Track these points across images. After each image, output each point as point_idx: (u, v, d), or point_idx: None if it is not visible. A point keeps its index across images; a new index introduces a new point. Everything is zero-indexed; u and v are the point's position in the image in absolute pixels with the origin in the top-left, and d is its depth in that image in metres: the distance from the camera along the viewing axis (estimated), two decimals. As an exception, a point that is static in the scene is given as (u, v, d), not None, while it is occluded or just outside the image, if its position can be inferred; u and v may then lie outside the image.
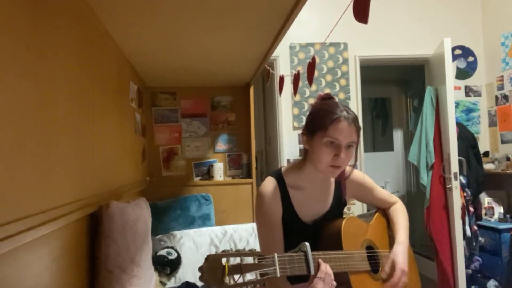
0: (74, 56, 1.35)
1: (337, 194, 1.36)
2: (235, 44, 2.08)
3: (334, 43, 3.69)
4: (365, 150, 3.91)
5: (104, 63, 1.77)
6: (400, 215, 1.42)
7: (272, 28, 1.82)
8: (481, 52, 3.89)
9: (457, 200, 3.14)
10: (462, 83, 3.88)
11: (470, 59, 3.88)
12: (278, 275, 0.94)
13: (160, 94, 3.23)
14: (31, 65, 1.02)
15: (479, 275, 3.34)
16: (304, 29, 3.65)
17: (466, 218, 3.26)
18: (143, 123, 2.96)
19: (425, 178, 3.42)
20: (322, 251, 1.11)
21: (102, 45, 1.73)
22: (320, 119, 1.19)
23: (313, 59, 2.09)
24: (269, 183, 1.27)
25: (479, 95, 3.89)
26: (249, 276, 0.89)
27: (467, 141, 3.47)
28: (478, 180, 3.42)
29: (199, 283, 2.29)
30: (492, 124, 3.80)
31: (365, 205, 3.58)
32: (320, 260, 1.06)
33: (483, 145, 3.80)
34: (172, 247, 2.59)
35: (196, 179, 3.23)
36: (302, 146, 1.30)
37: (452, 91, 3.21)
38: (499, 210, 3.51)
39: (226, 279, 0.85)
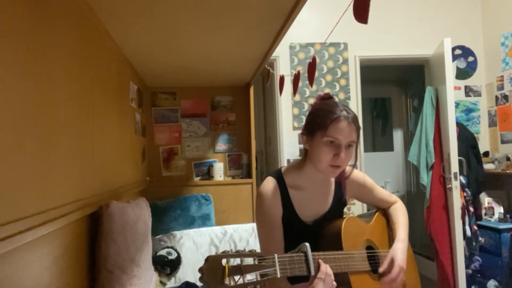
0: (74, 56, 1.35)
1: (337, 194, 1.36)
2: (235, 44, 2.08)
3: (334, 43, 3.69)
4: (365, 150, 3.92)
5: (104, 63, 1.77)
6: (400, 214, 1.42)
7: (272, 28, 1.82)
8: (481, 52, 3.89)
9: (457, 200, 3.14)
10: (462, 83, 3.88)
11: (470, 59, 3.88)
12: (278, 276, 0.94)
13: (160, 94, 3.23)
14: (31, 65, 1.02)
15: (479, 275, 3.34)
16: (304, 29, 3.65)
17: (466, 218, 3.26)
18: (143, 123, 2.96)
19: (425, 178, 3.42)
20: (322, 252, 1.11)
21: (102, 45, 1.73)
22: (320, 119, 1.19)
23: (314, 59, 2.09)
24: (269, 183, 1.27)
25: (479, 95, 3.89)
26: (249, 277, 0.89)
27: (467, 141, 3.48)
28: (478, 180, 3.42)
29: (199, 283, 2.29)
30: (492, 124, 3.80)
31: (365, 205, 3.58)
32: (320, 261, 1.06)
33: (483, 145, 3.80)
34: (172, 247, 2.59)
35: (196, 179, 3.23)
36: (302, 146, 1.30)
37: (452, 91, 3.21)
38: (499, 210, 3.51)
39: (226, 280, 0.85)
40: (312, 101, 3.51)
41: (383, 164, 4.87)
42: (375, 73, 4.49)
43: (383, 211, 1.47)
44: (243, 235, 2.84)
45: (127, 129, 2.29)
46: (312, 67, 2.09)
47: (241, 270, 0.87)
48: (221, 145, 3.30)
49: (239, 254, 0.89)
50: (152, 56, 2.26)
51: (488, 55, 3.83)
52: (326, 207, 1.33)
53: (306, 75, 2.21)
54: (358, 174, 1.41)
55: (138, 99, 2.69)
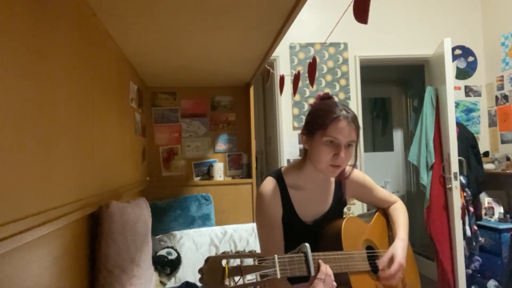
0: (74, 56, 1.35)
1: (337, 194, 1.36)
2: (235, 44, 2.08)
3: (334, 43, 3.69)
4: (365, 150, 3.92)
5: (104, 63, 1.76)
6: (400, 213, 1.42)
7: (272, 28, 1.82)
8: (481, 52, 3.89)
9: (457, 200, 3.14)
10: (462, 83, 3.88)
11: (470, 59, 3.88)
12: (278, 276, 0.94)
13: (160, 94, 3.23)
14: (31, 65, 1.02)
15: (479, 275, 3.34)
16: (304, 29, 3.65)
17: (466, 218, 3.26)
18: (143, 123, 2.96)
19: (425, 178, 3.42)
20: (322, 252, 1.11)
21: (102, 45, 1.73)
22: (319, 119, 1.19)
23: (314, 59, 2.09)
24: (269, 183, 1.27)
25: (479, 95, 3.89)
26: (249, 278, 0.89)
27: (467, 141, 3.48)
28: (478, 180, 3.42)
29: (199, 284, 2.28)
30: (492, 124, 3.80)
31: (365, 205, 3.58)
32: (320, 261, 1.05)
33: (483, 145, 3.80)
34: (172, 247, 2.59)
35: (196, 179, 3.23)
36: (302, 146, 1.30)
37: (452, 91, 3.21)
38: (499, 210, 3.51)
39: (226, 281, 0.85)
40: (312, 101, 3.51)
41: (383, 164, 4.87)
42: (375, 73, 4.49)
43: (383, 211, 1.47)
44: (243, 235, 2.84)
45: (127, 129, 2.29)
46: (312, 67, 2.09)
47: (241, 271, 0.87)
48: (221, 145, 3.30)
49: (239, 255, 0.89)
50: (152, 56, 2.26)
51: (488, 55, 3.83)
52: (326, 207, 1.33)
53: (306, 75, 2.21)
54: (358, 174, 1.41)
55: (138, 99, 2.69)
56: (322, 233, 1.27)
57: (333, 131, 1.16)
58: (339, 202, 1.36)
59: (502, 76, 3.64)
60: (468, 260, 3.26)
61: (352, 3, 1.22)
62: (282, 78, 2.59)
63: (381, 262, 1.25)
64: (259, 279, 0.90)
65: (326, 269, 1.04)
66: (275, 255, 0.96)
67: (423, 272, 3.13)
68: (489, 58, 3.83)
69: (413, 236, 4.53)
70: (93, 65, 1.58)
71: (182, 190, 3.16)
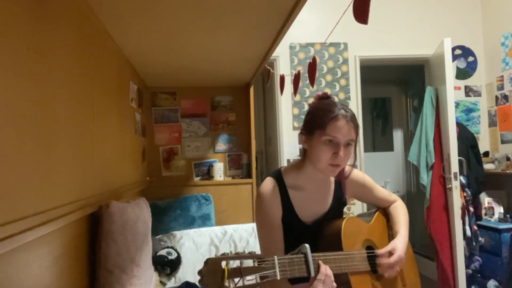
0: (74, 56, 1.35)
1: (337, 194, 1.36)
2: (235, 44, 2.08)
3: (334, 43, 3.69)
4: (365, 150, 3.91)
5: (104, 63, 1.77)
6: (400, 212, 1.42)
7: (272, 28, 1.82)
8: (481, 52, 3.89)
9: (457, 200, 3.14)
10: (462, 83, 3.88)
11: (470, 59, 3.88)
12: (278, 277, 0.94)
13: (160, 94, 3.23)
14: (31, 65, 1.02)
15: (479, 275, 3.34)
16: (304, 29, 3.65)
17: (466, 218, 3.26)
18: (143, 123, 2.96)
19: (425, 178, 3.42)
20: (322, 253, 1.10)
21: (102, 45, 1.73)
22: (318, 118, 1.19)
23: (314, 59, 2.09)
24: (268, 184, 1.27)
25: (479, 95, 3.89)
26: (249, 278, 0.89)
27: (467, 141, 3.48)
28: (478, 180, 3.42)
29: (199, 284, 2.28)
30: (492, 124, 3.80)
31: (365, 205, 3.58)
32: (320, 262, 1.05)
33: (483, 145, 3.80)
34: (172, 247, 2.59)
35: (196, 179, 3.23)
36: (301, 146, 1.31)
37: (452, 91, 3.21)
38: (499, 210, 3.51)
39: (226, 282, 0.85)
40: (312, 101, 3.51)
41: (383, 164, 4.87)
42: (375, 73, 4.49)
43: (383, 210, 1.47)
44: (243, 235, 2.84)
45: (127, 129, 2.29)
46: (312, 67, 2.09)
47: (240, 272, 0.87)
48: (221, 145, 3.30)
49: (239, 256, 0.89)
50: (152, 56, 2.26)
51: (488, 55, 3.83)
52: (326, 207, 1.33)
53: (306, 75, 2.21)
54: (358, 174, 1.41)
55: (138, 99, 2.69)
56: (322, 233, 1.27)
57: (332, 130, 1.16)
58: (339, 202, 1.36)
59: (502, 76, 3.64)
60: (468, 260, 3.26)
61: (352, 3, 1.22)
62: (282, 78, 2.59)
63: (381, 251, 1.25)
64: (258, 281, 0.90)
65: (326, 270, 1.04)
66: (275, 256, 0.95)
67: (423, 272, 3.13)
68: (489, 58, 3.83)
69: (413, 236, 4.53)
70: (93, 65, 1.58)
71: (182, 190, 3.16)
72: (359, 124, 1.24)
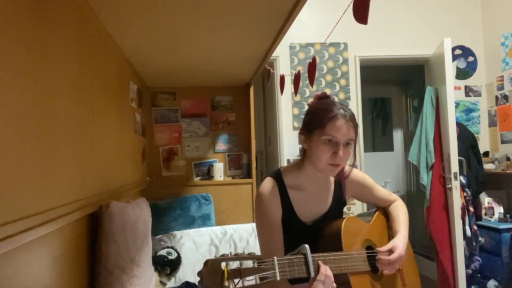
0: (74, 56, 1.35)
1: (337, 194, 1.36)
2: (235, 44, 2.08)
3: (334, 43, 3.69)
4: (365, 150, 3.92)
5: (104, 63, 1.77)
6: (400, 212, 1.42)
7: (272, 28, 1.82)
8: (481, 52, 3.89)
9: (457, 200, 3.14)
10: (462, 83, 3.88)
11: (470, 59, 3.88)
12: (278, 278, 0.94)
13: (160, 94, 3.23)
14: (31, 65, 1.02)
15: (479, 275, 3.34)
16: (304, 29, 3.65)
17: (466, 218, 3.26)
18: (143, 123, 2.96)
19: (425, 178, 3.42)
20: (322, 253, 1.10)
21: (102, 45, 1.73)
22: (317, 118, 1.19)
23: (314, 59, 2.09)
24: (268, 184, 1.27)
25: (479, 95, 3.89)
26: (249, 279, 0.89)
27: (467, 141, 3.48)
28: (478, 180, 3.43)
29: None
30: (492, 124, 3.80)
31: (365, 205, 3.58)
32: (320, 262, 1.05)
33: (483, 145, 3.80)
34: (172, 247, 2.59)
35: (196, 179, 3.23)
36: (301, 145, 1.31)
37: (452, 91, 3.21)
38: (499, 210, 3.51)
39: (226, 284, 0.85)
40: (311, 101, 3.50)
41: (383, 164, 4.87)
42: (375, 73, 4.49)
43: (383, 210, 1.47)
44: (243, 235, 2.84)
45: (127, 129, 2.29)
46: (312, 67, 2.09)
47: (240, 273, 0.87)
48: (221, 145, 3.30)
49: (238, 257, 0.89)
50: (152, 56, 2.26)
51: (488, 55, 3.83)
52: (325, 207, 1.33)
53: (306, 75, 2.21)
54: (357, 174, 1.41)
55: (138, 99, 2.69)
56: (322, 233, 1.27)
57: (331, 129, 1.16)
58: (339, 202, 1.36)
59: (502, 76, 3.64)
60: (468, 260, 3.26)
61: (352, 3, 1.22)
62: (282, 78, 2.59)
63: (381, 249, 1.25)
64: (258, 282, 0.90)
65: (325, 271, 1.04)
66: (275, 257, 0.95)
67: (423, 272, 3.13)
68: (489, 58, 3.83)
69: (413, 236, 4.53)
70: (93, 65, 1.58)
71: (182, 190, 3.16)
72: (358, 124, 1.24)
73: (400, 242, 1.28)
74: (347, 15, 1.54)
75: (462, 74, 3.89)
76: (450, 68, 3.23)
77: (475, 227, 3.27)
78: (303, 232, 1.27)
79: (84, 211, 1.39)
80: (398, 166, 4.99)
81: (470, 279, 3.27)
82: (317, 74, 3.65)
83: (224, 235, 2.82)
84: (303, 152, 1.29)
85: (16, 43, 0.94)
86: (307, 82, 2.14)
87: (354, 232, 1.26)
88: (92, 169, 1.54)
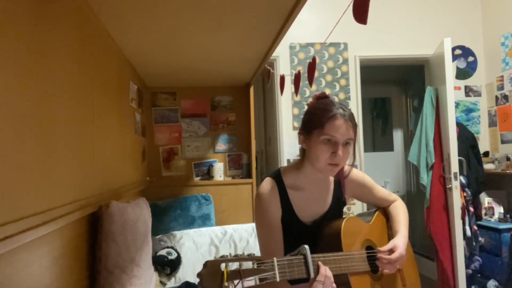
0: (74, 56, 1.35)
1: (337, 194, 1.36)
2: (235, 44, 2.08)
3: (334, 43, 3.69)
4: (365, 150, 3.92)
5: (104, 63, 1.77)
6: (400, 212, 1.42)
7: (272, 28, 1.82)
8: (481, 52, 3.89)
9: (457, 200, 3.14)
10: (462, 83, 3.88)
11: (470, 59, 3.88)
12: (278, 279, 0.93)
13: (160, 94, 3.23)
14: (31, 65, 1.02)
15: (479, 275, 3.34)
16: (304, 29, 3.65)
17: (466, 218, 3.26)
18: (143, 123, 2.96)
19: (425, 178, 3.42)
20: (321, 253, 1.10)
21: (102, 45, 1.73)
22: (316, 118, 1.19)
23: (313, 59, 2.09)
24: (267, 184, 1.27)
25: (479, 95, 3.89)
26: (249, 279, 0.89)
27: (467, 141, 3.48)
28: (478, 180, 3.43)
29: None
30: (492, 124, 3.80)
31: (365, 205, 3.58)
32: (319, 263, 1.05)
33: (483, 145, 3.80)
34: (172, 247, 2.59)
35: (196, 179, 3.23)
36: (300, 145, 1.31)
37: (452, 91, 3.21)
38: (499, 210, 3.51)
39: (225, 285, 0.85)
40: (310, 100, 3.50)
41: (383, 164, 4.87)
42: (375, 73, 4.49)
43: (383, 210, 1.47)
44: (243, 235, 2.84)
45: (127, 129, 2.29)
46: (311, 67, 2.09)
47: (240, 274, 0.87)
48: (221, 145, 3.30)
49: (238, 258, 0.89)
50: (152, 56, 2.26)
51: (488, 55, 3.83)
52: (325, 207, 1.33)
53: (306, 75, 2.21)
54: (357, 173, 1.41)
55: (138, 99, 2.69)
56: (322, 233, 1.27)
57: (330, 129, 1.16)
58: (339, 201, 1.36)
59: (502, 76, 3.64)
60: (468, 260, 3.26)
61: (352, 3, 1.22)
62: (282, 78, 2.59)
63: (382, 249, 1.25)
64: (258, 283, 0.90)
65: (325, 271, 1.04)
66: (274, 258, 0.95)
67: (423, 272, 3.13)
68: (489, 58, 3.83)
69: (413, 236, 4.53)
70: (93, 65, 1.58)
71: (182, 190, 3.16)
72: (357, 123, 1.24)
73: (401, 241, 1.28)
74: (347, 15, 1.54)
75: (462, 74, 3.89)
76: (450, 68, 3.23)
77: (475, 227, 3.27)
78: (303, 232, 1.27)
79: (84, 211, 1.39)
80: (398, 166, 4.99)
81: (470, 279, 3.27)
82: (317, 74, 3.65)
83: (224, 235, 2.82)
84: (303, 152, 1.29)
85: (16, 43, 0.94)
86: (307, 82, 2.14)
87: (354, 232, 1.26)
88: (92, 169, 1.54)
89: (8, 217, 0.88)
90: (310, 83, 2.08)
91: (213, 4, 1.50)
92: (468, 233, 3.23)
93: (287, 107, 3.66)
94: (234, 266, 0.89)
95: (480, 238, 3.29)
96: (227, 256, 0.90)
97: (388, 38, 3.77)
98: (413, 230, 4.47)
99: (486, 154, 3.74)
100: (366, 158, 3.85)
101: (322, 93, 1.29)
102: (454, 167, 3.15)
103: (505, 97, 3.61)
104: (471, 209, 3.28)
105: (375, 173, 3.93)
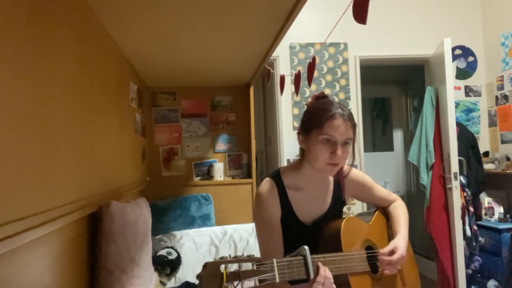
0: (74, 56, 1.35)
1: (336, 194, 1.36)
2: (235, 44, 2.08)
3: (334, 43, 3.69)
4: (365, 150, 3.91)
5: (104, 63, 1.77)
6: (400, 212, 1.41)
7: (272, 28, 1.82)
8: (481, 52, 3.89)
9: (457, 200, 3.14)
10: (462, 83, 3.88)
11: (470, 59, 3.88)
12: (277, 280, 0.93)
13: (160, 94, 3.23)
14: (31, 65, 1.02)
15: (479, 275, 3.34)
16: (304, 29, 3.65)
17: (466, 218, 3.26)
18: (143, 123, 2.96)
19: (425, 178, 3.42)
20: (321, 254, 1.10)
21: (102, 45, 1.73)
22: (315, 117, 1.19)
23: (313, 59, 2.09)
24: (267, 184, 1.26)
25: (479, 95, 3.89)
26: (248, 282, 0.89)
27: (467, 141, 3.48)
28: (478, 180, 3.42)
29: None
30: (492, 124, 3.80)
31: (365, 205, 3.58)
32: (319, 264, 1.05)
33: (483, 145, 3.80)
34: (172, 247, 2.59)
35: (196, 179, 3.23)
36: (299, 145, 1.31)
37: (452, 91, 3.21)
38: (499, 210, 3.51)
39: (225, 286, 0.85)
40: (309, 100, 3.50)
41: (383, 164, 4.87)
42: (375, 73, 4.49)
43: (383, 210, 1.47)
44: (243, 235, 2.84)
45: (127, 129, 2.29)
46: (311, 67, 2.09)
47: (239, 276, 0.87)
48: (221, 145, 3.30)
49: (237, 259, 0.89)
50: (152, 56, 2.26)
51: (488, 55, 3.83)
52: (325, 207, 1.33)
53: (306, 75, 2.21)
54: (357, 173, 1.41)
55: (138, 99, 2.69)
56: (322, 233, 1.27)
57: (329, 129, 1.16)
58: (338, 201, 1.36)
59: (502, 76, 3.64)
60: (468, 260, 3.26)
61: (352, 3, 1.22)
62: (282, 78, 2.59)
63: (383, 251, 1.25)
64: (257, 284, 0.90)
65: (325, 272, 1.04)
66: (274, 259, 0.95)
67: (423, 272, 3.13)
68: (489, 58, 3.83)
69: (413, 236, 4.53)
70: (93, 65, 1.58)
71: (182, 190, 3.16)
72: (356, 123, 1.24)
73: (401, 242, 1.28)
74: (347, 15, 1.54)
75: (462, 74, 3.89)
76: (450, 68, 3.23)
77: (475, 227, 3.27)
78: (303, 233, 1.27)
79: (84, 211, 1.39)
80: (398, 166, 4.98)
81: (470, 279, 3.27)
82: (317, 74, 3.65)
83: (224, 235, 2.82)
84: (302, 152, 1.29)
85: (16, 43, 0.94)
86: (307, 82, 2.15)
87: (353, 232, 1.26)
88: (92, 169, 1.54)
89: (8, 217, 0.88)
90: (309, 83, 2.08)
91: (213, 4, 1.50)
92: (468, 233, 3.23)
93: (287, 107, 3.66)
94: (233, 267, 0.89)
95: (480, 238, 3.29)
96: (226, 257, 0.90)
97: (388, 38, 3.77)
98: (413, 230, 4.47)
99: (486, 154, 3.74)
100: (366, 158, 3.85)
101: (321, 93, 1.29)
102: (454, 167, 3.15)
103: (505, 97, 3.61)
104: (471, 209, 3.28)
105: (375, 173, 3.93)
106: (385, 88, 5.11)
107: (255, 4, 1.52)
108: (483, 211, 3.53)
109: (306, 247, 1.03)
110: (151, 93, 3.21)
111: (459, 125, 3.46)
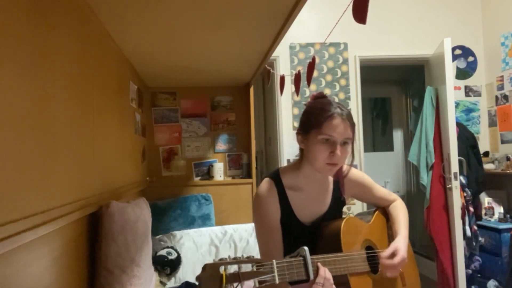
0: (74, 56, 1.35)
1: (336, 194, 1.36)
2: (235, 44, 2.08)
3: (334, 43, 3.69)
4: (365, 150, 3.92)
5: (104, 63, 1.77)
6: (400, 212, 1.41)
7: (272, 28, 1.82)
8: (481, 52, 3.89)
9: (457, 200, 3.14)
10: (462, 83, 3.88)
11: (470, 59, 3.88)
12: (277, 282, 0.93)
13: (160, 94, 3.23)
14: (31, 65, 1.02)
15: (479, 275, 3.34)
16: (304, 29, 3.66)
17: (466, 218, 3.26)
18: (143, 123, 2.96)
19: (425, 178, 3.42)
20: (321, 254, 1.10)
21: (102, 45, 1.73)
22: (314, 117, 1.19)
23: (313, 59, 2.09)
24: (266, 185, 1.26)
25: (479, 95, 3.89)
26: (248, 283, 0.89)
27: (467, 141, 3.48)
28: (478, 180, 3.43)
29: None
30: (492, 124, 3.80)
31: (365, 205, 3.58)
32: (319, 264, 1.05)
33: (483, 145, 3.80)
34: (172, 247, 2.59)
35: (196, 179, 3.23)
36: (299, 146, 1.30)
37: (452, 91, 3.21)
38: (499, 210, 3.51)
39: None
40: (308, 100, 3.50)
41: (383, 164, 4.87)
42: (375, 73, 4.49)
43: (383, 210, 1.47)
44: (243, 235, 2.84)
45: (127, 129, 2.29)
46: (311, 67, 2.09)
47: (239, 277, 0.87)
48: (221, 145, 3.30)
49: (237, 261, 0.89)
50: (152, 56, 2.26)
51: (488, 55, 3.83)
52: (324, 207, 1.33)
53: (306, 75, 2.21)
54: (357, 173, 1.40)
55: (138, 99, 2.69)
56: (321, 233, 1.27)
57: (328, 129, 1.16)
58: (338, 201, 1.36)
59: (502, 76, 3.64)
60: (468, 260, 3.26)
61: (351, 3, 1.22)
62: (282, 78, 2.59)
63: (383, 254, 1.25)
64: (257, 285, 0.90)
65: (324, 273, 1.04)
66: (273, 260, 0.95)
67: (423, 272, 3.14)
68: (489, 58, 3.83)
69: (413, 236, 4.52)
70: (93, 65, 1.58)
71: (182, 190, 3.16)
72: (355, 123, 1.24)
73: (401, 244, 1.28)
74: (347, 15, 1.54)
75: (462, 74, 3.89)
76: (450, 68, 3.23)
77: (475, 227, 3.27)
78: (302, 233, 1.27)
79: (84, 211, 1.39)
80: (398, 166, 4.98)
81: (470, 279, 3.27)
82: (317, 74, 3.65)
83: (224, 235, 2.82)
84: (301, 152, 1.29)
85: (16, 43, 0.94)
86: (306, 82, 2.15)
87: (353, 232, 1.26)
88: (92, 169, 1.54)
89: (8, 217, 0.88)
90: (309, 83, 2.09)
91: (213, 4, 1.50)
92: (468, 233, 3.23)
93: (287, 107, 3.66)
94: (233, 269, 0.89)
95: (480, 238, 3.29)
96: (226, 258, 0.90)
97: (388, 38, 3.77)
98: (413, 230, 4.47)
99: (486, 154, 3.74)
100: (366, 158, 3.85)
101: (320, 93, 1.29)
102: (454, 167, 3.15)
103: (505, 97, 3.61)
104: (471, 209, 3.28)
105: (375, 173, 3.93)
106: (385, 88, 5.11)
107: (255, 4, 1.52)
108: (483, 211, 3.53)
109: (305, 248, 1.03)
110: (151, 93, 3.21)
111: (459, 125, 3.46)
